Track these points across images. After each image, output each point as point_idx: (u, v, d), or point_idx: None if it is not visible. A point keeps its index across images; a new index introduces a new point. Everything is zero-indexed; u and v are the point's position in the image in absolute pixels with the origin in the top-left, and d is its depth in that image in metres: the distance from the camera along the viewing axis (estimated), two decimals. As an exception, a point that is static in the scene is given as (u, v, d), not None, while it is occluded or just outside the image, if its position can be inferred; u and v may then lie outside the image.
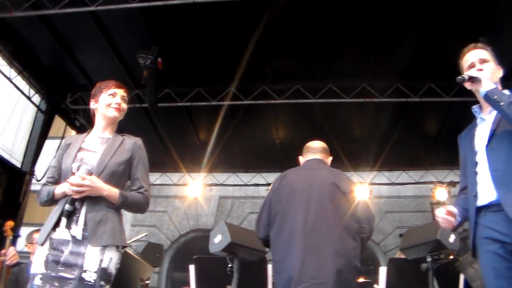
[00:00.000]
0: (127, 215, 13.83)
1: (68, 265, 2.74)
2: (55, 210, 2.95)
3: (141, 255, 6.74)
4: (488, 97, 2.78)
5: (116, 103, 3.18)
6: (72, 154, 3.04)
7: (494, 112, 2.87)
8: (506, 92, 2.94)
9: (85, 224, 2.85)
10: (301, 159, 4.22)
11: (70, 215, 2.87)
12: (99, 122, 3.24)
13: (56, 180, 3.09)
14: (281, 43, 8.29)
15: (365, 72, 8.79)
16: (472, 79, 2.87)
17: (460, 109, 8.56)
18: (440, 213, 3.01)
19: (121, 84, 3.31)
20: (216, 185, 13.17)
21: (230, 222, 10.74)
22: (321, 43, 8.11)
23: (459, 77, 2.89)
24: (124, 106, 3.24)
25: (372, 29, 7.82)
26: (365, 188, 11.65)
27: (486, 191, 2.80)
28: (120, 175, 3.06)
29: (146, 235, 8.77)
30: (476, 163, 2.93)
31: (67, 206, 2.86)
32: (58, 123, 10.19)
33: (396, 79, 8.79)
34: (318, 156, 4.10)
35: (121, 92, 3.25)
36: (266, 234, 3.85)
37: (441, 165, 11.58)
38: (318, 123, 10.25)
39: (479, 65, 2.98)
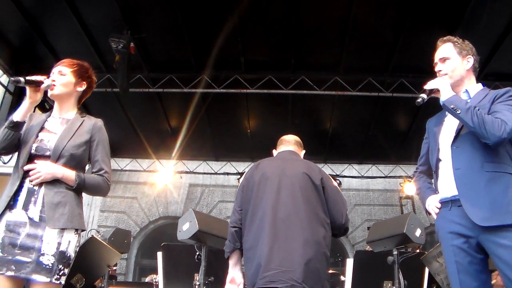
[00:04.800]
0: (96, 200, 13.72)
1: (25, 248, 2.65)
2: (8, 190, 2.82)
3: (108, 240, 6.66)
4: (445, 106, 2.84)
5: (51, 82, 3.04)
6: (34, 131, 2.95)
7: None
8: (478, 86, 2.98)
9: (43, 205, 2.76)
10: (275, 152, 4.24)
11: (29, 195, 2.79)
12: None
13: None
14: (256, 32, 8.29)
15: (338, 65, 8.83)
16: (432, 92, 2.92)
17: (430, 105, 8.66)
18: (435, 210, 3.02)
19: (63, 61, 3.18)
20: (186, 172, 13.16)
21: (199, 210, 10.72)
22: (295, 34, 8.12)
23: (418, 100, 2.91)
24: (62, 79, 3.07)
25: (346, 23, 7.85)
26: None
27: (449, 186, 2.86)
28: (79, 157, 2.97)
29: None
30: (439, 159, 3.00)
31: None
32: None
33: (368, 73, 8.86)
34: (291, 148, 4.13)
35: (57, 69, 3.11)
36: (235, 219, 3.85)
37: (410, 160, 11.66)
38: (289, 114, 10.27)
39: (440, 65, 3.05)
